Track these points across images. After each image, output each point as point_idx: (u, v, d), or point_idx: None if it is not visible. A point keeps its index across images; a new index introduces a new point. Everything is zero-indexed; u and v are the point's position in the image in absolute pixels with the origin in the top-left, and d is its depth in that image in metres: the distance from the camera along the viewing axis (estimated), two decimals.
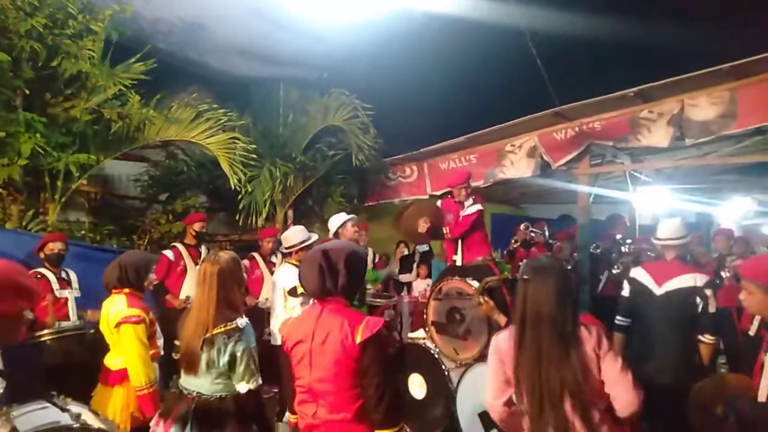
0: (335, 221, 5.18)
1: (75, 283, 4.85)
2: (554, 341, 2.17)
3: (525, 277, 2.26)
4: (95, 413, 2.59)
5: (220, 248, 6.85)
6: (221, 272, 2.79)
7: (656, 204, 10.21)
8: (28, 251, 4.93)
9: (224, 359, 2.71)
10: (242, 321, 2.78)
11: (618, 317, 4.03)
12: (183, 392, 2.80)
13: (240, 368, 2.73)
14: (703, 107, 6.07)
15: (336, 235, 5.13)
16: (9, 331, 1.84)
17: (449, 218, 5.37)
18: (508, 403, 2.34)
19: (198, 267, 5.49)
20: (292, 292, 4.55)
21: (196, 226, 5.80)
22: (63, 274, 4.81)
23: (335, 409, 2.26)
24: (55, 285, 4.67)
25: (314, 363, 2.30)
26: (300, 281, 2.45)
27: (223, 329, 2.72)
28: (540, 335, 2.19)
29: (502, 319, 3.70)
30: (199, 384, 2.77)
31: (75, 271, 4.93)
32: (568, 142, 7.11)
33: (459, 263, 5.18)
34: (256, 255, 6.25)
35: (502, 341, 2.35)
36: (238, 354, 2.72)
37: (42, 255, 4.72)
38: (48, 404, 2.31)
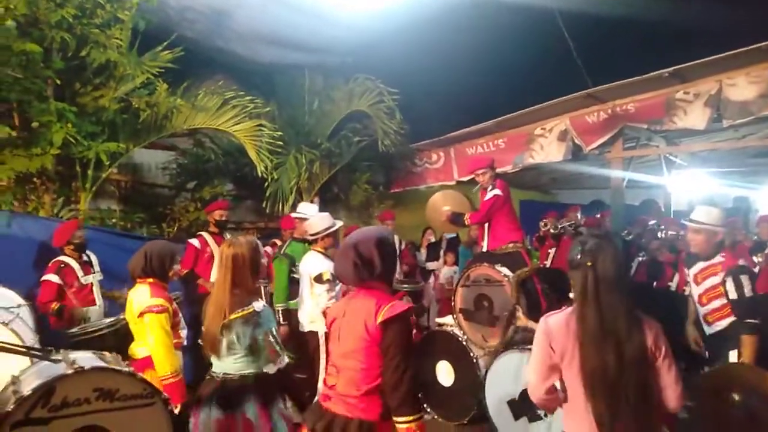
0: (305, 209, 5.33)
1: (96, 266, 4.86)
2: (626, 324, 2.08)
3: (588, 263, 2.11)
4: (97, 353, 2.59)
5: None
6: (236, 256, 2.82)
7: (692, 188, 9.93)
8: None
9: (245, 343, 2.75)
10: (259, 304, 2.81)
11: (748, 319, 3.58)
12: (213, 376, 2.84)
13: (265, 351, 2.79)
14: (742, 87, 5.83)
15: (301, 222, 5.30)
16: None
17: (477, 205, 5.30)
18: (552, 389, 2.25)
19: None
20: (318, 279, 4.55)
21: (216, 215, 5.81)
22: (85, 258, 4.82)
23: (350, 385, 2.31)
24: (79, 272, 4.69)
25: (341, 338, 2.38)
26: (336, 274, 2.50)
27: (240, 314, 2.74)
28: (611, 317, 2.08)
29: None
30: (223, 365, 2.82)
31: (101, 258, 4.94)
32: (600, 125, 6.92)
33: (485, 249, 5.10)
34: (277, 241, 6.30)
35: (554, 326, 2.21)
36: (260, 338, 2.77)
37: (70, 246, 4.70)
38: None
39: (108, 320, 4.46)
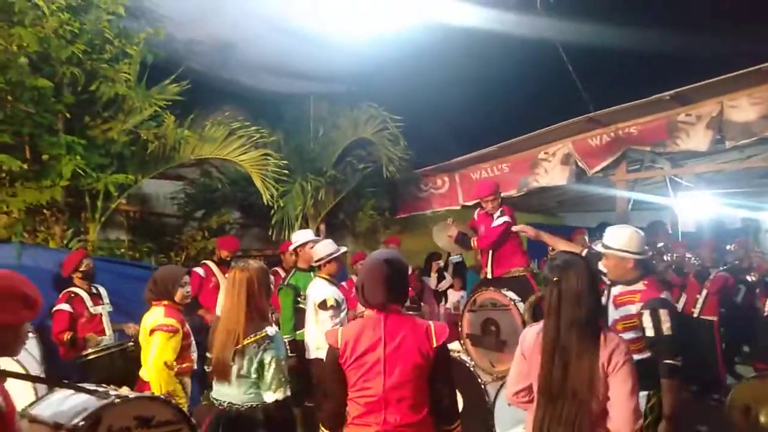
0: (299, 237, 5.30)
1: (106, 298, 4.91)
2: (578, 338, 2.17)
3: (554, 278, 2.23)
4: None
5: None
6: (250, 280, 2.83)
7: (699, 210, 9.89)
8: None
9: (253, 367, 2.74)
10: (272, 329, 2.81)
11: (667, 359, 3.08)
12: (213, 403, 2.82)
13: (267, 376, 2.74)
14: (743, 108, 5.87)
15: (294, 251, 5.27)
16: (11, 342, 1.82)
17: (482, 230, 5.30)
18: (521, 393, 2.41)
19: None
20: (323, 306, 4.54)
21: (224, 253, 5.90)
22: (94, 290, 4.88)
23: (411, 413, 2.28)
24: (88, 302, 4.74)
25: (388, 370, 2.27)
26: (360, 293, 2.38)
27: (253, 339, 2.74)
28: (566, 331, 2.18)
29: None
30: (231, 394, 2.79)
31: (109, 287, 4.99)
32: (603, 148, 6.96)
33: (489, 276, 5.11)
34: (278, 269, 6.31)
35: (529, 335, 2.39)
36: (266, 361, 2.74)
37: (78, 273, 4.77)
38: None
39: (113, 340, 4.53)
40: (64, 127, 5.65)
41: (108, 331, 4.77)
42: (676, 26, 7.46)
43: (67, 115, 5.64)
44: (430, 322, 2.37)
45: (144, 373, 3.39)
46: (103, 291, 4.92)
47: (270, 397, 2.75)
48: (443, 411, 2.33)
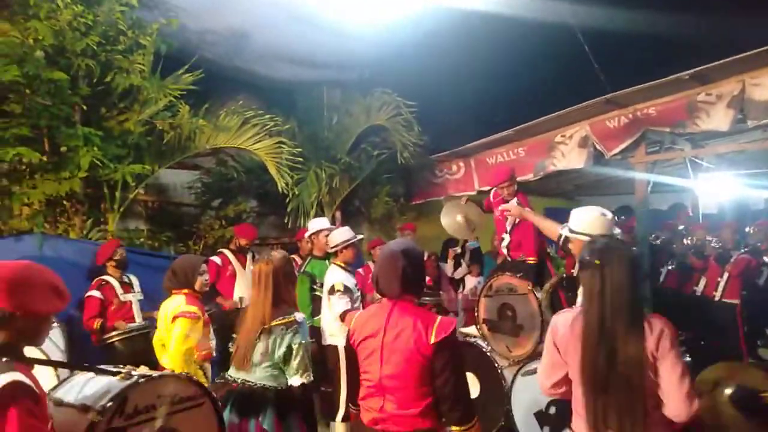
0: (314, 225, 5.38)
1: (137, 287, 5.09)
2: (624, 325, 2.05)
3: (596, 261, 2.12)
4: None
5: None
6: (276, 271, 2.92)
7: (720, 191, 9.70)
8: (91, 258, 5.17)
9: (281, 350, 2.83)
10: (300, 315, 2.90)
11: None
12: (228, 381, 2.93)
13: (295, 361, 2.82)
14: (766, 86, 5.70)
15: (310, 239, 5.33)
16: (41, 331, 1.91)
17: (497, 212, 5.29)
18: (558, 384, 2.28)
19: (249, 269, 5.69)
20: (331, 291, 4.60)
21: (242, 241, 5.98)
22: (125, 279, 5.06)
23: (404, 405, 2.28)
24: (119, 290, 4.93)
25: (385, 359, 2.31)
26: (376, 283, 2.44)
27: (282, 321, 2.83)
28: (612, 317, 2.06)
29: None
30: (249, 374, 2.88)
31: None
32: (621, 130, 6.83)
33: (508, 259, 5.09)
34: (295, 257, 6.33)
35: (561, 325, 2.24)
36: (295, 346, 2.83)
37: (112, 262, 4.98)
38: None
39: (138, 324, 4.67)
40: (81, 119, 5.72)
41: (138, 318, 4.93)
42: (693, 5, 7.28)
43: (84, 107, 5.71)
44: (439, 317, 2.33)
45: (165, 360, 3.45)
46: (135, 280, 5.10)
47: (296, 380, 2.83)
48: (450, 410, 2.27)
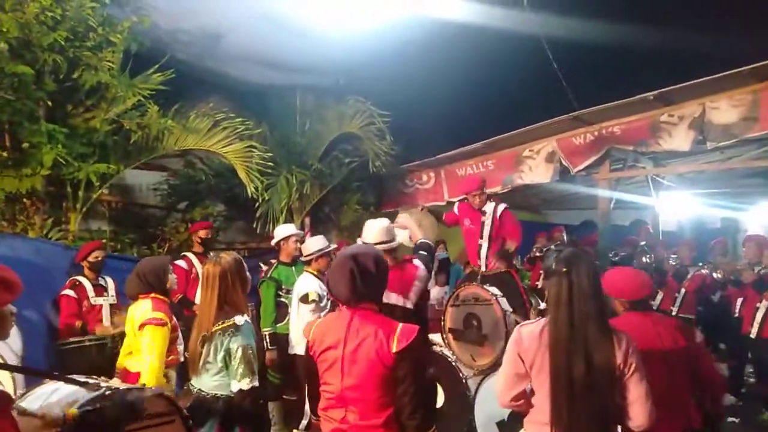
0: (280, 232, 5.32)
1: (111, 291, 4.97)
2: (594, 332, 2.09)
3: (563, 269, 2.15)
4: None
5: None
6: (223, 273, 2.85)
7: (680, 209, 10.03)
8: (49, 259, 5.03)
9: (220, 355, 2.77)
10: (241, 319, 2.81)
11: None
12: (190, 390, 2.90)
13: (234, 364, 2.75)
14: (724, 110, 5.95)
15: (277, 246, 5.28)
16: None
17: (466, 223, 5.36)
18: (518, 397, 2.28)
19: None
20: (304, 299, 4.59)
21: (201, 233, 5.86)
22: (101, 281, 4.94)
23: (366, 416, 2.24)
24: (90, 292, 4.80)
25: (346, 370, 2.25)
26: (329, 288, 2.41)
27: (220, 326, 2.78)
28: (582, 324, 2.09)
29: None
30: (201, 382, 2.85)
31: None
32: (587, 147, 7.01)
33: (483, 269, 5.16)
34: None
35: (526, 335, 2.24)
36: (233, 349, 2.76)
37: (86, 263, 4.85)
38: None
39: (94, 336, 4.55)
40: (46, 115, 5.57)
41: (105, 323, 4.77)
42: (660, 24, 7.54)
43: (49, 103, 5.56)
44: (401, 324, 2.28)
45: (133, 363, 3.36)
46: (110, 283, 4.97)
47: (235, 386, 2.76)
48: (408, 419, 2.21)
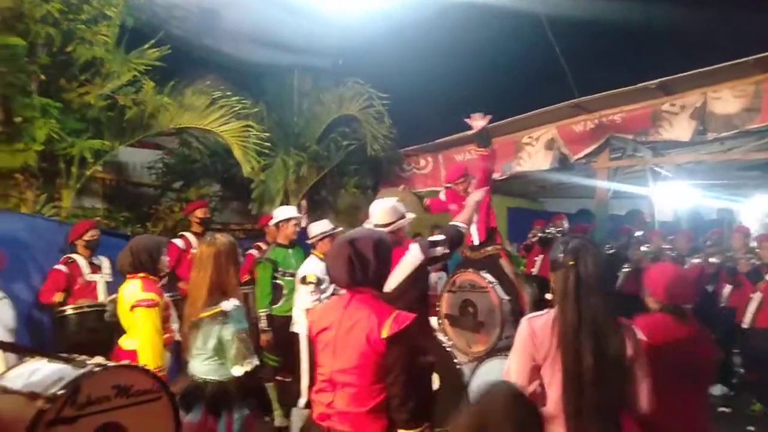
0: (280, 213, 5.31)
1: (106, 269, 4.95)
2: (604, 324, 2.06)
3: (570, 261, 2.10)
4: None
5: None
6: (217, 254, 2.83)
7: (677, 200, 10.02)
8: (43, 236, 4.97)
9: (211, 343, 2.75)
10: (228, 304, 2.78)
11: None
12: (188, 374, 2.89)
13: (231, 352, 2.74)
14: (726, 100, 5.91)
15: (276, 226, 5.28)
16: None
17: (453, 208, 5.32)
18: (534, 390, 2.22)
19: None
20: (302, 281, 4.59)
21: (198, 213, 5.79)
22: (95, 260, 4.93)
23: (353, 402, 2.19)
24: (85, 269, 4.80)
25: (337, 352, 2.23)
26: (328, 273, 2.42)
27: (208, 313, 2.75)
28: (590, 317, 2.06)
29: None
30: (194, 366, 2.85)
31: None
32: (587, 135, 6.97)
33: (476, 242, 5.12)
34: (261, 245, 6.15)
35: (539, 328, 2.18)
36: (227, 338, 2.75)
37: (81, 242, 4.83)
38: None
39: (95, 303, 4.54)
40: (39, 89, 5.45)
41: (101, 299, 4.74)
42: (664, 10, 7.45)
43: (42, 77, 5.44)
44: (396, 311, 2.23)
45: (126, 342, 3.32)
46: (105, 261, 4.95)
47: (237, 371, 2.75)
48: (396, 410, 2.16)
